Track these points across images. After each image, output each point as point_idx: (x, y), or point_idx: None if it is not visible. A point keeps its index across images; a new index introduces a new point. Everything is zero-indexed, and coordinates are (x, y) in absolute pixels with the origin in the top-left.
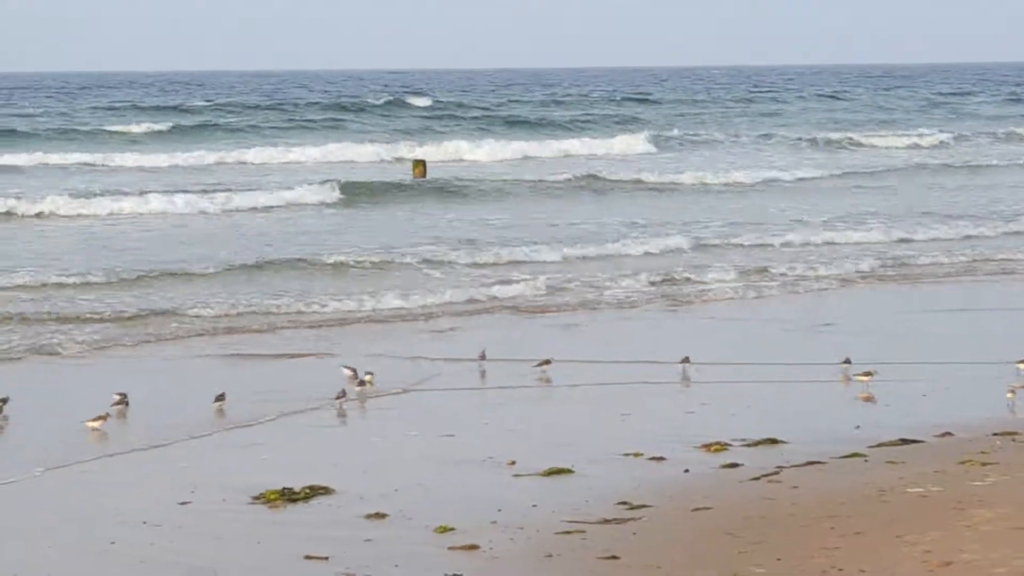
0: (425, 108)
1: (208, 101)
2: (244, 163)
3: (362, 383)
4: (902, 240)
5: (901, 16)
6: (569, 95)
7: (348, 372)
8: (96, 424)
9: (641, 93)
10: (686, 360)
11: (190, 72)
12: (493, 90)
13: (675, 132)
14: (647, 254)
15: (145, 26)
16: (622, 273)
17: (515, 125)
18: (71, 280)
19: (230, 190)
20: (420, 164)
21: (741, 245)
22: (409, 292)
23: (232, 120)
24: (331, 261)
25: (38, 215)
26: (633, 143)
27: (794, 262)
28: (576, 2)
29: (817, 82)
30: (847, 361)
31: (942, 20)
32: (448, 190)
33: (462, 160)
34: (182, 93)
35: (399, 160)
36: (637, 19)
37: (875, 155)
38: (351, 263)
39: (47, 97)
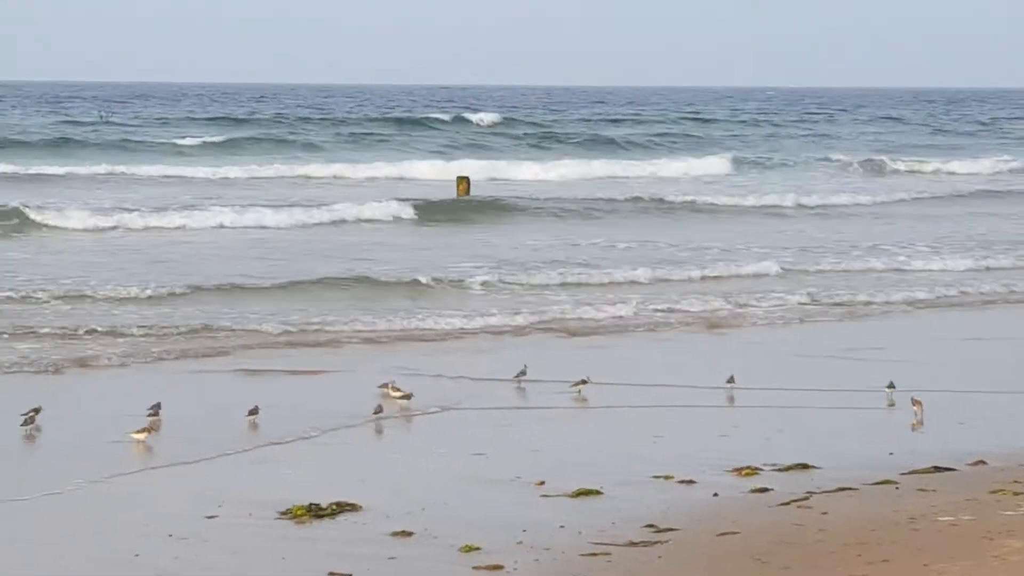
0: (490, 125)
1: (254, 113)
2: (307, 177)
3: (406, 396)
4: (968, 270)
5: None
6: (619, 113)
7: (384, 390)
8: (140, 436)
9: (693, 113)
10: (731, 380)
11: (191, 83)
12: (538, 108)
13: (751, 155)
14: (719, 277)
15: (141, 33)
16: (694, 294)
17: (582, 144)
18: (116, 292)
19: (294, 205)
20: (464, 181)
21: (807, 271)
22: (461, 312)
23: (286, 132)
24: (385, 278)
25: (105, 228)
26: (712, 164)
27: (854, 288)
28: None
29: (867, 103)
30: (891, 385)
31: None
32: (517, 209)
33: (530, 178)
34: (229, 105)
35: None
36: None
37: (937, 180)
38: (406, 280)
39: (99, 109)
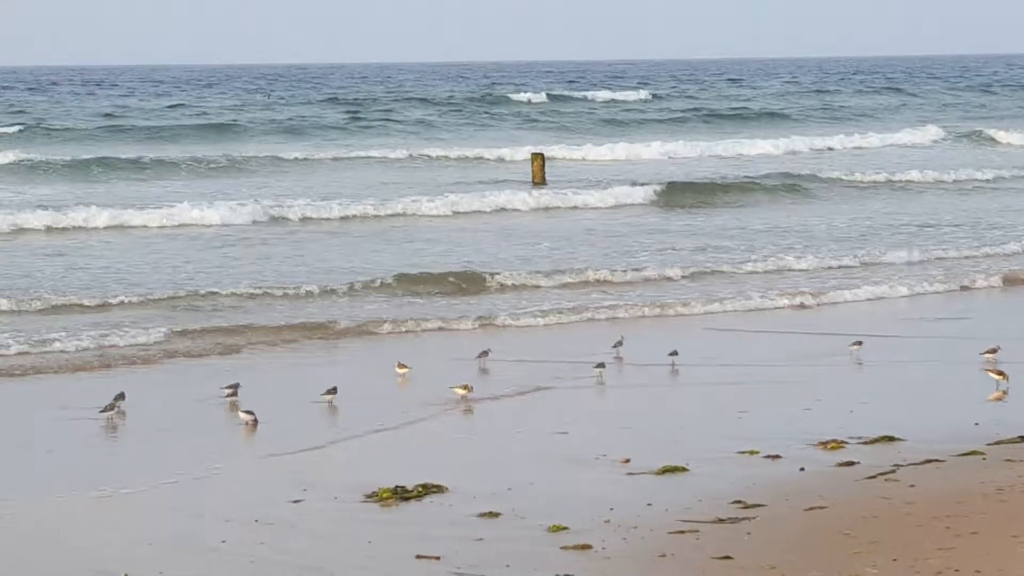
0: (645, 102)
1: (344, 93)
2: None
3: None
4: None
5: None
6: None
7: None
8: (249, 418)
9: (819, 83)
10: (858, 344)
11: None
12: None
13: (963, 127)
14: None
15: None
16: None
17: (750, 119)
18: (226, 289)
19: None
20: (538, 158)
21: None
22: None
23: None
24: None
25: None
26: (925, 134)
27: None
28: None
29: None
30: (993, 350)
31: None
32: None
33: (751, 154)
34: (360, 87)
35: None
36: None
37: None
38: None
39: (262, 91)
